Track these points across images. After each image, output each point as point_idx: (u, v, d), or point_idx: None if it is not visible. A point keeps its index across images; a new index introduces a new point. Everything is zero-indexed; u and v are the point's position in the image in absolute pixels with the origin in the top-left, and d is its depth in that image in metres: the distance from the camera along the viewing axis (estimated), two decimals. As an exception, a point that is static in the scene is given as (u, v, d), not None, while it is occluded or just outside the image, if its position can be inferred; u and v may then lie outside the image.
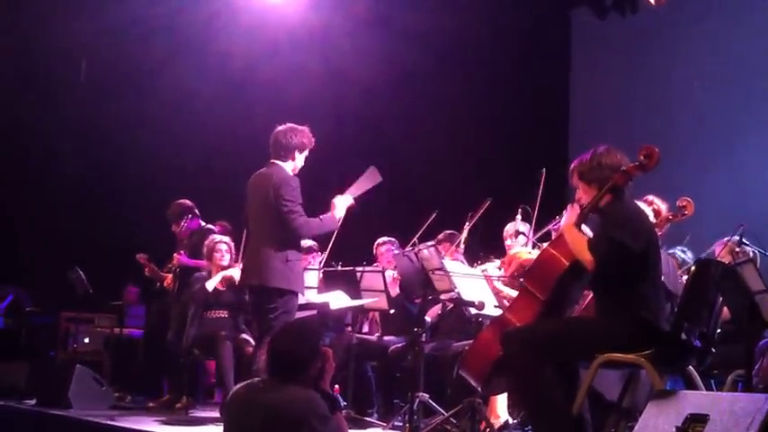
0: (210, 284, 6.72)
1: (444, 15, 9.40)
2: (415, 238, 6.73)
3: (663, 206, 5.43)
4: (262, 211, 5.45)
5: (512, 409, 5.56)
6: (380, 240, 7.16)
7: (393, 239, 7.09)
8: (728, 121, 8.77)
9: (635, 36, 9.27)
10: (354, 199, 5.61)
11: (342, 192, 5.62)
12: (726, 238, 5.94)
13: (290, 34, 9.77)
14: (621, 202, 4.12)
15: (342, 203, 5.54)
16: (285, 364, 3.65)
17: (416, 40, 9.75)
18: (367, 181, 5.68)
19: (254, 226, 5.60)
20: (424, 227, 6.77)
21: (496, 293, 5.55)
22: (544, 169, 5.97)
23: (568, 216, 4.19)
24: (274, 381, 3.66)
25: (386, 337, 6.77)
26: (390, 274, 6.58)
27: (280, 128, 5.53)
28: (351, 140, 10.12)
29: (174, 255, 7.22)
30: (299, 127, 5.54)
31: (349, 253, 7.01)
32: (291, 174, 5.47)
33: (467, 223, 6.23)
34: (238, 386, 3.86)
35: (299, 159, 5.52)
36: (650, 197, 5.37)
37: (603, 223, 4.08)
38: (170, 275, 7.40)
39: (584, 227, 4.23)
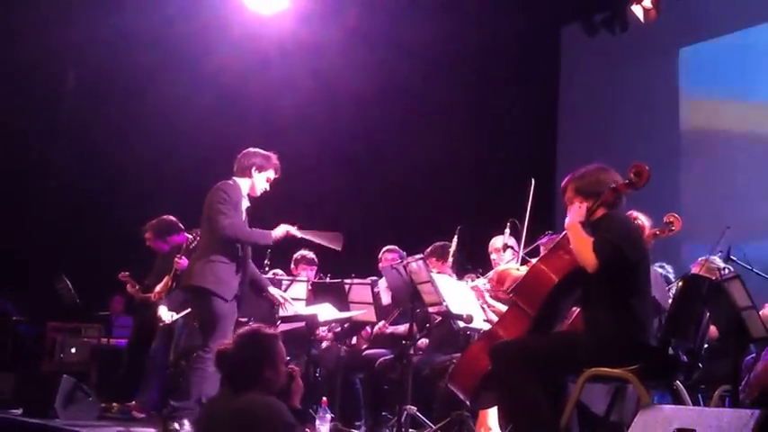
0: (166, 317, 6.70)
1: (436, 30, 9.45)
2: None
3: (647, 222, 5.47)
4: (203, 219, 5.63)
5: (502, 422, 5.57)
6: (387, 248, 7.16)
7: (398, 249, 7.09)
8: (714, 137, 8.85)
9: (624, 53, 9.34)
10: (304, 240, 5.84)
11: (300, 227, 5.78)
12: (702, 258, 5.98)
13: (282, 47, 9.79)
14: (615, 216, 4.15)
15: (285, 228, 5.68)
16: (237, 372, 3.61)
17: (408, 54, 9.80)
18: (325, 239, 5.89)
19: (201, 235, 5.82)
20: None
21: (488, 307, 5.56)
22: (533, 180, 5.95)
23: (573, 215, 4.18)
24: (230, 391, 3.63)
25: (374, 350, 6.77)
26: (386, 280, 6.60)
27: (247, 149, 5.75)
28: (343, 152, 10.16)
29: (175, 259, 7.10)
30: (264, 152, 5.74)
31: (342, 264, 7.02)
32: (246, 190, 5.64)
33: (454, 239, 6.24)
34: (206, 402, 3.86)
35: (258, 179, 5.67)
36: (634, 213, 5.41)
37: (602, 232, 4.07)
38: (156, 289, 7.31)
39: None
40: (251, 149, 5.74)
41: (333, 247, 5.88)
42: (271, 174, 5.70)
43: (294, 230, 5.70)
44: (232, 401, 3.55)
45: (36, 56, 9.58)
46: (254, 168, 5.64)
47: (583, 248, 4.00)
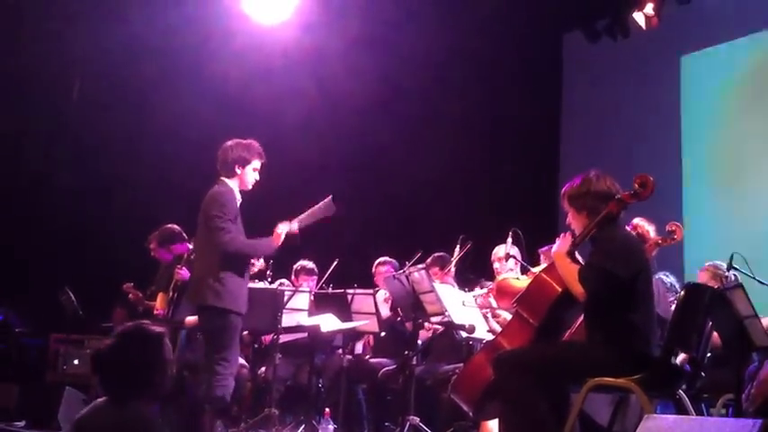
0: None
1: (438, 38, 9.46)
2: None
3: (650, 228, 5.46)
4: (200, 229, 5.40)
5: (502, 433, 5.55)
6: (380, 260, 7.14)
7: (392, 260, 7.07)
8: (718, 145, 8.84)
9: (626, 60, 9.34)
10: (302, 228, 5.52)
11: (293, 216, 5.55)
12: (708, 263, 5.97)
13: (285, 56, 9.79)
14: (614, 229, 4.14)
15: (283, 230, 5.44)
16: (122, 377, 3.09)
17: (411, 62, 9.80)
18: (321, 211, 5.61)
19: (196, 245, 5.60)
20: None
21: (494, 316, 5.55)
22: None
23: (560, 244, 4.20)
24: (109, 399, 3.11)
25: (377, 360, 6.75)
26: (383, 293, 6.58)
27: (225, 143, 5.47)
28: (347, 160, 10.15)
29: (176, 269, 7.07)
30: (244, 141, 5.45)
31: (345, 274, 7.01)
32: (237, 189, 5.38)
33: (457, 248, 6.23)
34: (81, 413, 3.19)
35: (246, 174, 5.39)
36: (636, 220, 5.40)
37: (595, 252, 4.09)
38: (157, 306, 7.27)
39: (576, 254, 4.24)
40: (228, 143, 5.44)
41: (329, 214, 5.61)
42: (257, 163, 5.41)
43: (291, 227, 5.46)
44: (113, 414, 3.04)
45: (40, 63, 9.59)
46: (236, 166, 5.35)
47: (570, 279, 4.03)
